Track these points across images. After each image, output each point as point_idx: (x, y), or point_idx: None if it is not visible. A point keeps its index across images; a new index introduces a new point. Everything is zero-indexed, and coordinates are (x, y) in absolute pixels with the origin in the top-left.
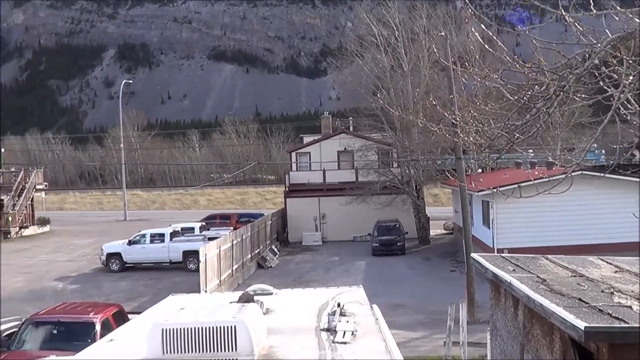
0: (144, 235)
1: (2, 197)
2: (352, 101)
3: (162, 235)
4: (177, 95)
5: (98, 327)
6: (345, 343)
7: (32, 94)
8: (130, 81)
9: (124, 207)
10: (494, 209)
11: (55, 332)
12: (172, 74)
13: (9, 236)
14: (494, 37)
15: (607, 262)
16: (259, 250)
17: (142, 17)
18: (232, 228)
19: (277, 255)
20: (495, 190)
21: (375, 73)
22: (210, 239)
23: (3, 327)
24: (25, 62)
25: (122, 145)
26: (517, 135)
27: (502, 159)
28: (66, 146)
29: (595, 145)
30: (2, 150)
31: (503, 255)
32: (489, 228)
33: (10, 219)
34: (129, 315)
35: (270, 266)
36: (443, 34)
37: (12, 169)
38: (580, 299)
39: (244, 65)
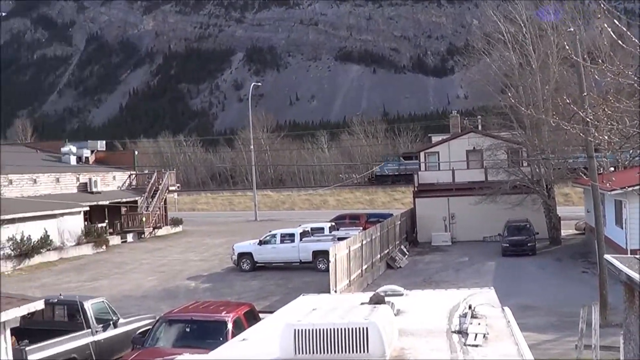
0: (274, 236)
1: (136, 199)
2: (480, 99)
3: (292, 235)
4: (305, 96)
5: (230, 326)
6: (476, 346)
7: (164, 98)
8: (259, 83)
9: (254, 208)
10: (627, 208)
11: (188, 330)
12: (300, 76)
13: (143, 236)
14: (626, 32)
15: None
16: (388, 250)
17: (269, 21)
18: (361, 228)
19: (406, 256)
20: (628, 189)
21: (503, 71)
22: (340, 239)
23: (137, 324)
24: (156, 67)
25: (252, 146)
26: None
27: (636, 158)
28: (197, 148)
29: None
30: (136, 153)
31: (637, 256)
32: (622, 228)
33: (144, 219)
34: (260, 315)
35: (400, 266)
36: (572, 29)
37: (146, 171)
38: None
39: (370, 66)
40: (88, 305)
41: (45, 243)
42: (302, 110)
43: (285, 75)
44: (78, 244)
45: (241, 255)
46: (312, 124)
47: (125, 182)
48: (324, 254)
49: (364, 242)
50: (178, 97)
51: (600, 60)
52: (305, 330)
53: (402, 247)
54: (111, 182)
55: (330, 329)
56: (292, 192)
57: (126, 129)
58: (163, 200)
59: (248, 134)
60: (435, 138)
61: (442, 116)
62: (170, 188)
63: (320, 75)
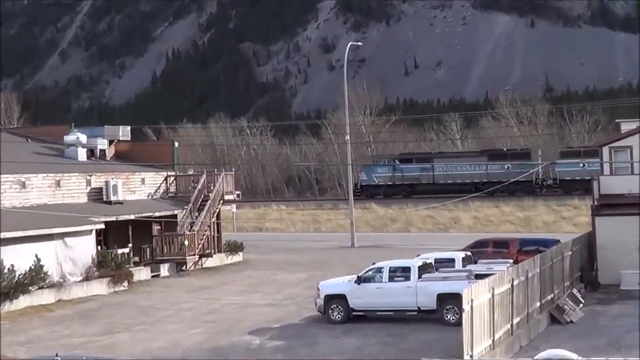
0: (379, 270)
1: (176, 212)
2: None
3: (407, 269)
4: (428, 62)
5: None
6: None
7: (217, 64)
8: (360, 43)
9: (350, 228)
10: None
11: None
12: (420, 32)
13: (184, 268)
14: None
15: None
16: (552, 295)
17: None
18: (511, 261)
19: (580, 305)
20: None
21: None
22: (479, 276)
23: None
24: (206, 18)
25: (347, 136)
26: None
27: None
28: (267, 138)
29: None
30: (176, 144)
31: None
32: None
33: (186, 243)
34: None
35: (571, 320)
36: None
37: (191, 172)
38: None
39: (526, 16)
40: None
41: (36, 277)
42: (422, 82)
43: (398, 30)
44: (87, 278)
45: (330, 298)
46: (438, 104)
47: (159, 188)
48: (455, 298)
49: (516, 282)
50: (239, 63)
51: None
52: None
53: (575, 291)
54: (138, 188)
55: None
56: (408, 204)
57: (161, 109)
58: (215, 214)
59: (342, 117)
60: (627, 126)
61: (636, 92)
62: (227, 197)
63: (451, 31)
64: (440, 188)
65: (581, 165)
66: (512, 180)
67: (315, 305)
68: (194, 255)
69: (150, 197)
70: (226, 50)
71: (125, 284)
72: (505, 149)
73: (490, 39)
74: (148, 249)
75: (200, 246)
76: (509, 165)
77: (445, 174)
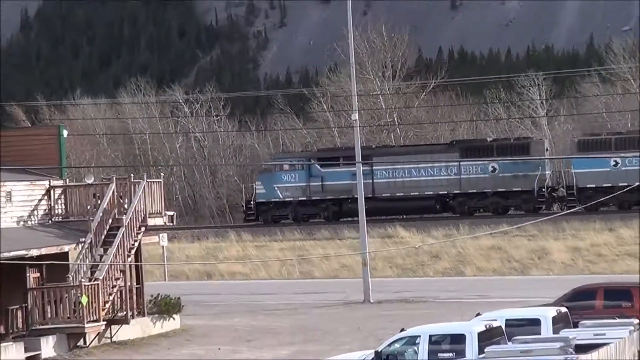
0: (412, 340)
1: (65, 249)
2: None
3: (460, 339)
4: None
5: None
6: None
7: None
8: None
9: (363, 271)
10: None
11: None
12: None
13: (81, 344)
14: None
15: None
16: None
17: None
18: (636, 321)
19: None
20: None
21: None
22: (582, 348)
23: None
24: None
25: (355, 114)
26: None
27: None
28: (220, 120)
29: None
30: (65, 132)
31: None
32: None
33: (84, 300)
34: None
35: None
36: None
37: (90, 179)
38: None
39: None
40: None
41: None
42: (481, 21)
43: None
44: None
45: None
46: (508, 57)
47: (37, 208)
48: None
49: None
50: None
51: None
52: None
53: None
54: (1, 208)
55: None
56: (457, 226)
57: (39, 74)
58: (133, 251)
59: (346, 83)
60: None
61: None
62: (152, 221)
63: None
64: (383, 206)
65: (613, 163)
66: (502, 190)
67: None
68: (98, 321)
69: (21, 223)
70: None
71: None
72: (489, 139)
73: None
74: (19, 312)
75: (108, 306)
76: (495, 166)
77: (390, 183)
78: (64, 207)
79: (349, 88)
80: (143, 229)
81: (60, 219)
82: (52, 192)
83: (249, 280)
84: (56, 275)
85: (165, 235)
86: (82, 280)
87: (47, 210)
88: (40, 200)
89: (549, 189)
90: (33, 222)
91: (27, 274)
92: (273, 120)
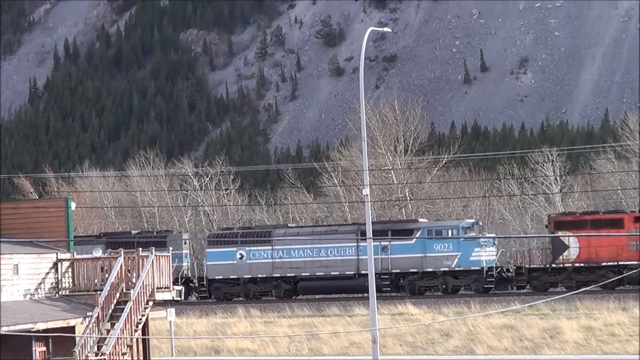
0: None
1: (72, 322)
2: None
3: None
4: (504, 61)
5: None
6: None
7: (142, 68)
8: (387, 29)
9: (373, 348)
10: None
11: None
12: (491, 8)
13: None
14: None
15: None
16: None
17: None
18: None
19: None
20: None
21: None
22: None
23: None
24: None
25: (366, 190)
26: None
27: None
28: (229, 194)
29: None
30: (73, 205)
31: None
32: None
33: None
34: None
35: None
36: None
37: (98, 252)
38: None
39: None
40: None
41: None
42: (495, 96)
43: (453, 6)
44: None
45: None
46: (522, 132)
47: (44, 281)
48: None
49: None
50: (179, 65)
51: None
52: None
53: None
54: (8, 281)
55: None
56: (468, 303)
57: (47, 144)
58: (140, 326)
59: (357, 158)
60: None
61: None
62: (160, 295)
63: (544, 7)
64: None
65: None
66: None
67: None
68: None
69: (28, 296)
70: (156, 44)
71: None
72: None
73: (613, 21)
74: None
75: None
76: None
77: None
78: (71, 280)
79: (360, 162)
80: (151, 303)
81: (67, 293)
82: (59, 265)
83: (258, 357)
84: (62, 350)
85: (173, 310)
86: (89, 354)
87: (54, 284)
88: (47, 273)
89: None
90: (40, 295)
91: (33, 348)
92: (283, 194)
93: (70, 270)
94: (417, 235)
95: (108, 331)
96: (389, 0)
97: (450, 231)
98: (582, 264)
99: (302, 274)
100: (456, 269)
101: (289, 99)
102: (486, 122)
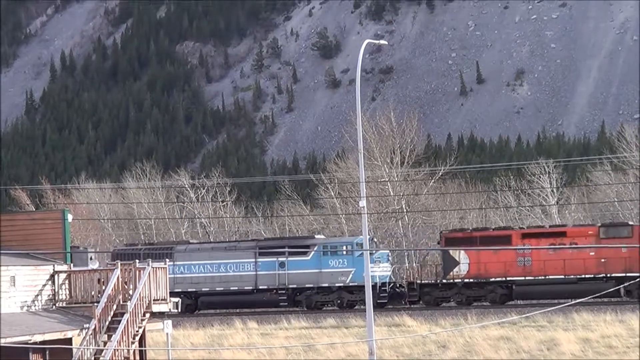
0: None
1: (69, 334)
2: None
3: None
4: (500, 73)
5: None
6: None
7: (138, 80)
8: (383, 42)
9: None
10: None
11: None
12: (486, 21)
13: None
14: None
15: None
16: None
17: None
18: None
19: None
20: None
21: None
22: None
23: None
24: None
25: (363, 201)
26: None
27: None
28: (226, 206)
29: None
30: (69, 217)
31: None
32: None
33: None
34: None
35: None
36: None
37: (95, 264)
38: None
39: None
40: None
41: None
42: (491, 108)
43: (449, 19)
44: None
45: None
46: (518, 144)
47: (41, 293)
48: None
49: None
50: (175, 78)
51: None
52: None
53: None
54: (5, 292)
55: None
56: (464, 315)
57: (44, 157)
58: (138, 338)
59: (353, 169)
60: None
61: None
62: (157, 307)
63: (540, 19)
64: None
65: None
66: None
67: None
68: None
69: (25, 308)
70: (153, 56)
71: None
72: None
73: (609, 33)
74: None
75: None
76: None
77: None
78: (68, 292)
79: (356, 174)
80: (147, 315)
81: (64, 304)
82: (56, 277)
83: None
84: None
85: (169, 322)
86: None
87: (51, 296)
88: (44, 285)
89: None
90: (37, 307)
91: None
92: (280, 206)
93: (67, 282)
94: (313, 251)
95: (105, 343)
96: (385, 12)
97: (344, 247)
98: (471, 280)
99: (203, 289)
100: (351, 284)
101: (285, 110)
102: (482, 133)
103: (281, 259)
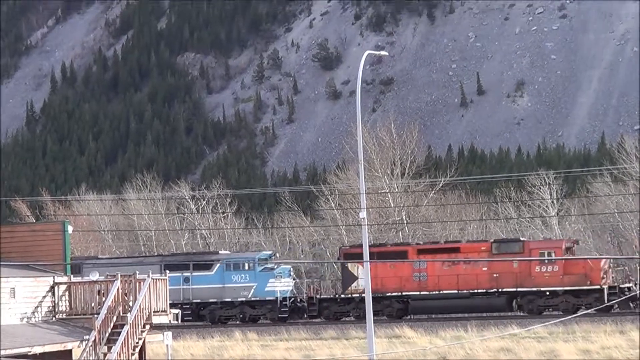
0: None
1: (69, 346)
2: None
3: None
4: (501, 84)
5: None
6: None
7: (139, 91)
8: (384, 52)
9: None
10: None
11: None
12: (487, 32)
13: None
14: None
15: None
16: None
17: None
18: None
19: None
20: None
21: None
22: None
23: None
24: (118, 12)
25: (363, 212)
26: None
27: None
28: (226, 217)
29: None
30: (69, 229)
31: None
32: None
33: None
34: None
35: None
36: None
37: (95, 276)
38: None
39: None
40: None
41: None
42: (491, 119)
43: (450, 30)
44: None
45: None
46: (518, 155)
47: (41, 304)
48: None
49: None
50: (175, 89)
51: None
52: None
53: None
54: (5, 304)
55: None
56: (465, 327)
57: (44, 168)
58: (138, 350)
59: (354, 181)
60: None
61: None
62: (157, 319)
63: (541, 30)
64: None
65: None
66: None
67: None
68: None
69: (25, 319)
70: (153, 67)
71: None
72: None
73: (609, 44)
74: None
75: None
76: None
77: None
78: (68, 303)
79: (357, 186)
80: (148, 326)
81: (64, 316)
82: (56, 288)
83: None
84: None
85: (169, 333)
86: None
87: (51, 307)
88: (44, 296)
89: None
90: (37, 319)
91: None
92: (280, 217)
93: (67, 293)
94: (217, 267)
95: (105, 355)
96: (386, 24)
97: (246, 263)
98: None
99: None
100: (252, 299)
101: (286, 122)
102: (483, 145)
103: (186, 274)
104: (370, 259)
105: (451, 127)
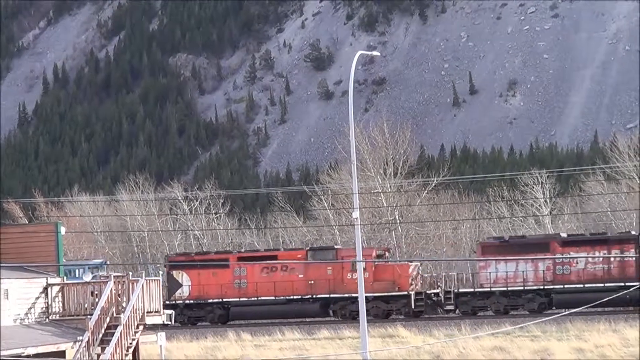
0: None
1: (62, 347)
2: None
3: None
4: (493, 83)
5: None
6: None
7: (130, 93)
8: (376, 52)
9: None
10: None
11: None
12: (479, 31)
13: None
14: None
15: None
16: None
17: None
18: None
19: None
20: None
21: None
22: None
23: None
24: (110, 14)
25: (356, 212)
26: None
27: None
28: (219, 218)
29: None
30: (62, 230)
31: None
32: None
33: None
34: None
35: None
36: None
37: (88, 277)
38: None
39: None
40: None
41: None
42: (484, 118)
43: (442, 29)
44: None
45: None
46: (510, 154)
47: (34, 306)
48: None
49: None
50: (167, 90)
51: None
52: None
53: None
54: None
55: None
56: (458, 325)
57: (37, 170)
58: (131, 350)
59: (346, 181)
60: None
61: None
62: (150, 319)
63: (533, 29)
64: None
65: None
66: None
67: None
68: None
69: (18, 321)
70: (145, 68)
71: None
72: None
73: (601, 43)
74: None
75: None
76: None
77: None
78: (61, 305)
79: (349, 186)
80: (141, 327)
81: (57, 317)
82: (49, 289)
83: None
84: None
85: (163, 334)
86: None
87: (44, 308)
88: (37, 298)
89: None
90: (30, 320)
91: None
92: (273, 217)
93: (60, 294)
94: None
95: (98, 355)
96: (378, 24)
97: (80, 271)
98: (192, 301)
99: None
100: None
101: (278, 122)
102: (475, 144)
103: None
104: (194, 266)
105: (444, 127)
